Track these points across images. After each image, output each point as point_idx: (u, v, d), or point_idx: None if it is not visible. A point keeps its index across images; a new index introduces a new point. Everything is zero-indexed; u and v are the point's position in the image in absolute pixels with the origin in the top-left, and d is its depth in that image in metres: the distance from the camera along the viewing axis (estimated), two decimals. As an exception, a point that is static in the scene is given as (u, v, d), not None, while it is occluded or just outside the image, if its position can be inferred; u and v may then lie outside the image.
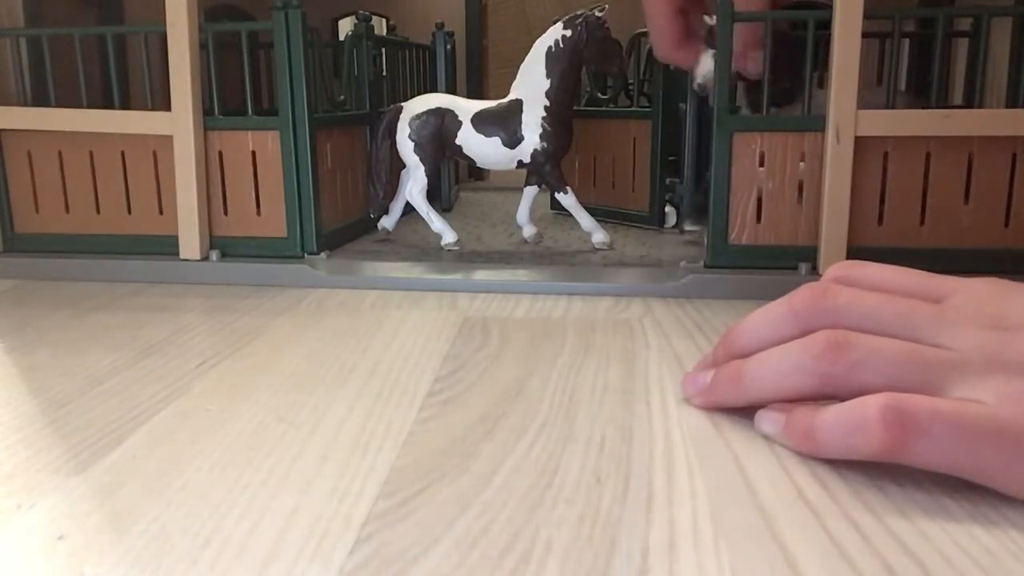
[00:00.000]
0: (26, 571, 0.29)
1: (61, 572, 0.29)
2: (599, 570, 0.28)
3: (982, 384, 0.30)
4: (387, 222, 0.85)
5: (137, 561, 0.29)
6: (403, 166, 0.81)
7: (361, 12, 0.92)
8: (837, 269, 0.41)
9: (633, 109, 0.92)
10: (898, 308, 0.34)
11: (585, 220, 0.80)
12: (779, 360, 0.37)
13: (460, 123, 0.78)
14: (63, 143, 0.77)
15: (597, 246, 0.79)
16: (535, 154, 0.77)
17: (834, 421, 0.34)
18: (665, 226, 0.90)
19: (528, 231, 0.83)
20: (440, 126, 0.78)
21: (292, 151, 0.73)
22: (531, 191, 0.82)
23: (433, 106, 0.79)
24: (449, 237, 0.80)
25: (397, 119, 0.80)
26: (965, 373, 0.31)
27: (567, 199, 0.79)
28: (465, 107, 0.79)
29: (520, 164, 0.79)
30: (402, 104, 0.81)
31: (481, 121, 0.78)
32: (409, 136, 0.79)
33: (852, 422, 0.32)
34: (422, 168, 0.79)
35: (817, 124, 0.65)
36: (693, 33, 0.75)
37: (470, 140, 0.78)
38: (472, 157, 0.79)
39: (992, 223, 0.66)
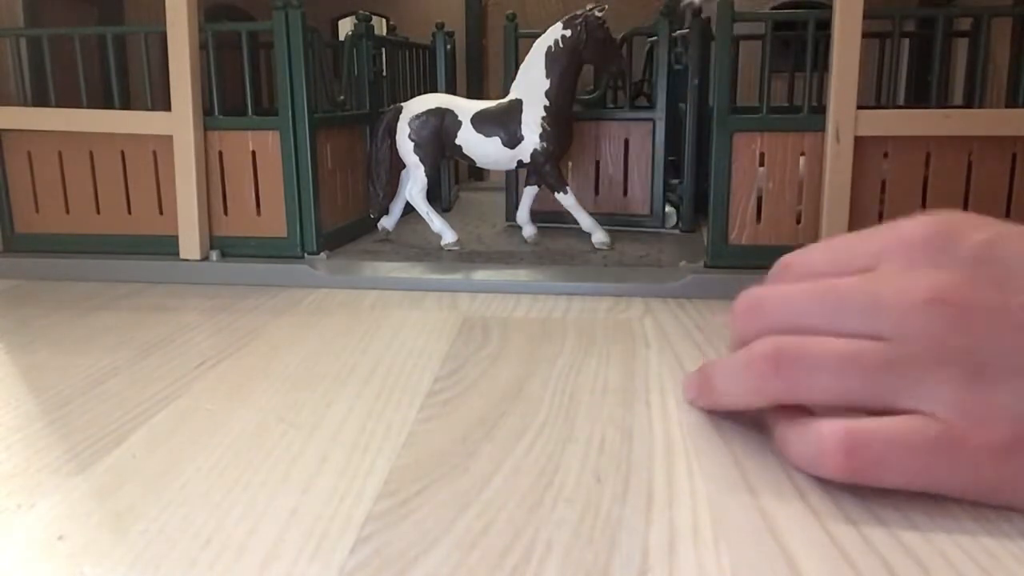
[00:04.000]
0: (26, 571, 0.29)
1: (61, 572, 0.29)
2: (599, 570, 0.28)
3: (931, 389, 0.29)
4: (387, 222, 0.85)
5: (137, 561, 0.29)
6: (403, 166, 0.81)
7: (361, 12, 0.92)
8: (785, 258, 0.38)
9: (639, 107, 0.92)
10: (827, 301, 0.32)
11: (585, 220, 0.80)
12: (731, 374, 0.37)
13: (460, 123, 0.78)
14: (63, 143, 0.77)
15: (597, 246, 0.79)
16: (535, 154, 0.77)
17: (797, 446, 0.34)
18: (665, 226, 0.90)
19: (528, 231, 0.83)
20: (440, 126, 0.78)
21: (292, 151, 0.73)
22: (531, 191, 0.82)
23: (432, 106, 0.79)
24: (449, 237, 0.80)
25: (397, 119, 0.80)
26: (910, 374, 0.29)
27: (567, 199, 0.79)
28: (465, 107, 0.79)
29: (520, 164, 0.79)
30: (402, 104, 0.81)
31: (481, 121, 0.78)
32: (409, 136, 0.79)
33: (811, 451, 0.32)
34: (422, 168, 0.79)
35: (817, 124, 0.65)
36: None
37: (470, 140, 0.78)
38: (472, 157, 0.79)
39: (992, 223, 0.66)
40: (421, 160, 0.79)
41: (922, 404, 0.29)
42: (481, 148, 0.78)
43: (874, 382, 0.30)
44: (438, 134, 0.78)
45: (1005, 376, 0.28)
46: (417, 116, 0.78)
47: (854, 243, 0.35)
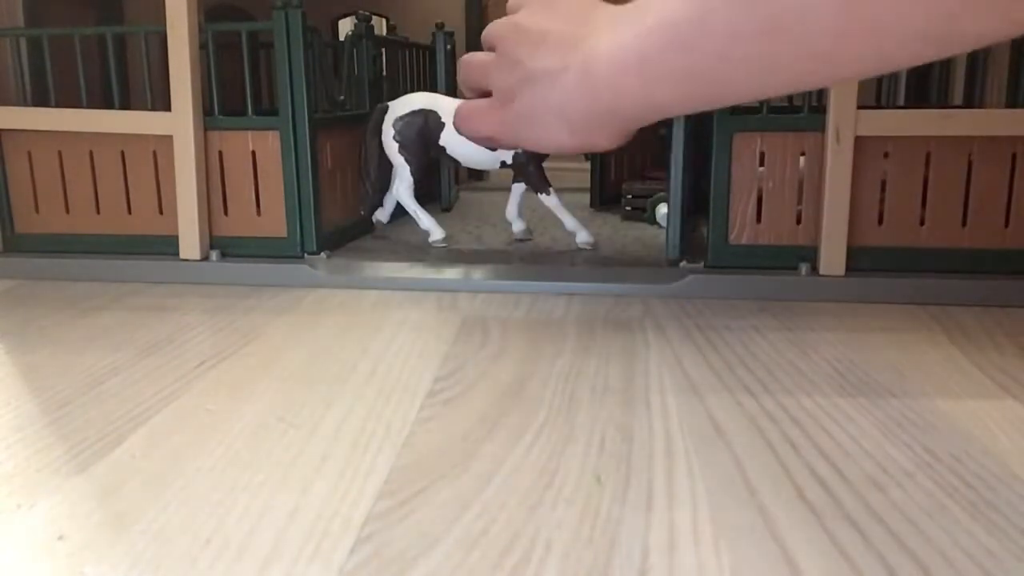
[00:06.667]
0: (26, 571, 0.29)
1: (61, 572, 0.29)
2: (599, 570, 0.28)
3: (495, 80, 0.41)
4: (381, 215, 0.86)
5: (137, 561, 0.29)
6: (391, 163, 0.82)
7: (361, 12, 0.92)
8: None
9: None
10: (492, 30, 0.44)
11: (568, 220, 0.80)
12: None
13: (443, 124, 0.79)
14: (63, 143, 0.77)
15: (581, 245, 0.80)
16: (517, 156, 0.78)
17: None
18: (665, 226, 0.90)
19: (518, 227, 0.83)
20: (424, 126, 0.79)
21: (292, 151, 0.73)
22: (519, 188, 0.82)
23: (417, 107, 0.80)
24: (437, 234, 0.81)
25: (383, 120, 0.81)
26: (497, 72, 0.41)
27: (550, 200, 0.79)
28: (448, 108, 0.80)
29: (504, 165, 0.80)
30: (387, 104, 0.81)
31: None
32: (394, 137, 0.80)
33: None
34: (407, 168, 0.80)
35: (817, 124, 0.65)
36: None
37: (452, 141, 0.79)
38: (456, 158, 0.80)
39: (992, 223, 0.66)
40: (407, 160, 0.80)
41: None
42: (463, 149, 0.79)
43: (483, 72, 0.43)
44: (422, 134, 0.79)
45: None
46: (401, 117, 0.80)
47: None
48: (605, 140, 0.39)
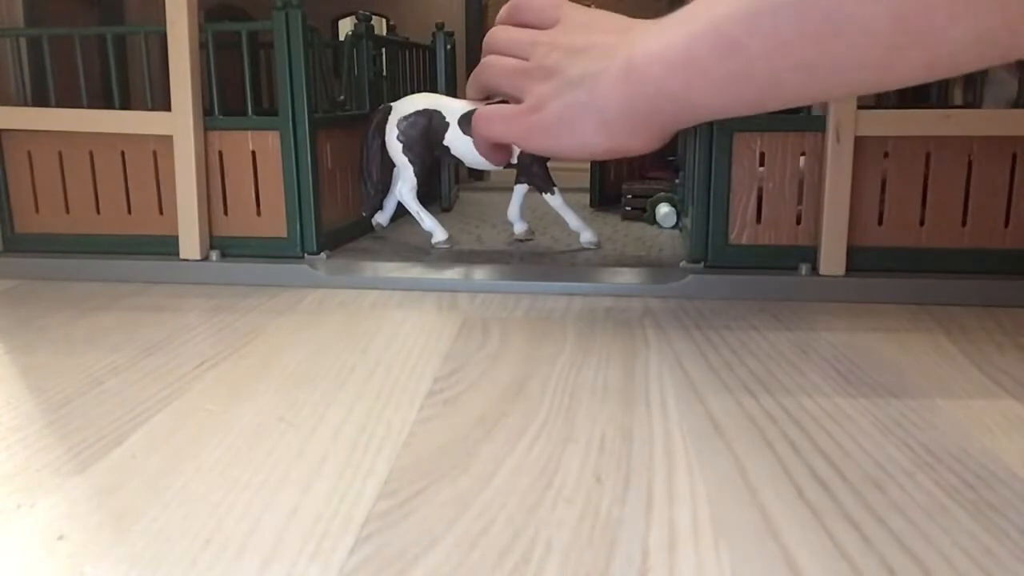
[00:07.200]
0: (26, 571, 0.29)
1: (61, 572, 0.29)
2: (599, 570, 0.28)
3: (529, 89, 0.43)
4: (381, 218, 0.86)
5: (137, 561, 0.29)
6: (393, 164, 0.82)
7: (361, 12, 0.92)
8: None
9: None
10: (513, 37, 0.46)
11: (573, 220, 0.80)
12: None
13: (447, 124, 0.79)
14: (63, 143, 0.77)
15: (585, 245, 0.80)
16: (522, 155, 0.78)
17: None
18: (665, 226, 0.90)
19: (519, 227, 0.83)
20: (428, 127, 0.79)
21: (292, 151, 0.73)
22: (521, 188, 0.82)
23: (420, 107, 0.79)
24: (440, 235, 0.80)
25: (386, 120, 0.80)
26: (529, 79, 0.42)
27: (554, 200, 0.79)
28: (452, 108, 0.79)
29: (508, 164, 0.79)
30: (391, 104, 0.81)
31: (468, 122, 0.78)
32: (398, 137, 0.79)
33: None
34: (411, 168, 0.80)
35: (817, 124, 0.65)
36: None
37: (457, 141, 0.78)
38: (460, 157, 0.80)
39: (992, 223, 0.66)
40: (410, 160, 0.80)
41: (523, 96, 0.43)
42: (468, 149, 0.78)
43: (517, 80, 0.44)
44: (426, 134, 0.79)
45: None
46: (405, 117, 0.79)
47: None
48: (641, 141, 0.39)
